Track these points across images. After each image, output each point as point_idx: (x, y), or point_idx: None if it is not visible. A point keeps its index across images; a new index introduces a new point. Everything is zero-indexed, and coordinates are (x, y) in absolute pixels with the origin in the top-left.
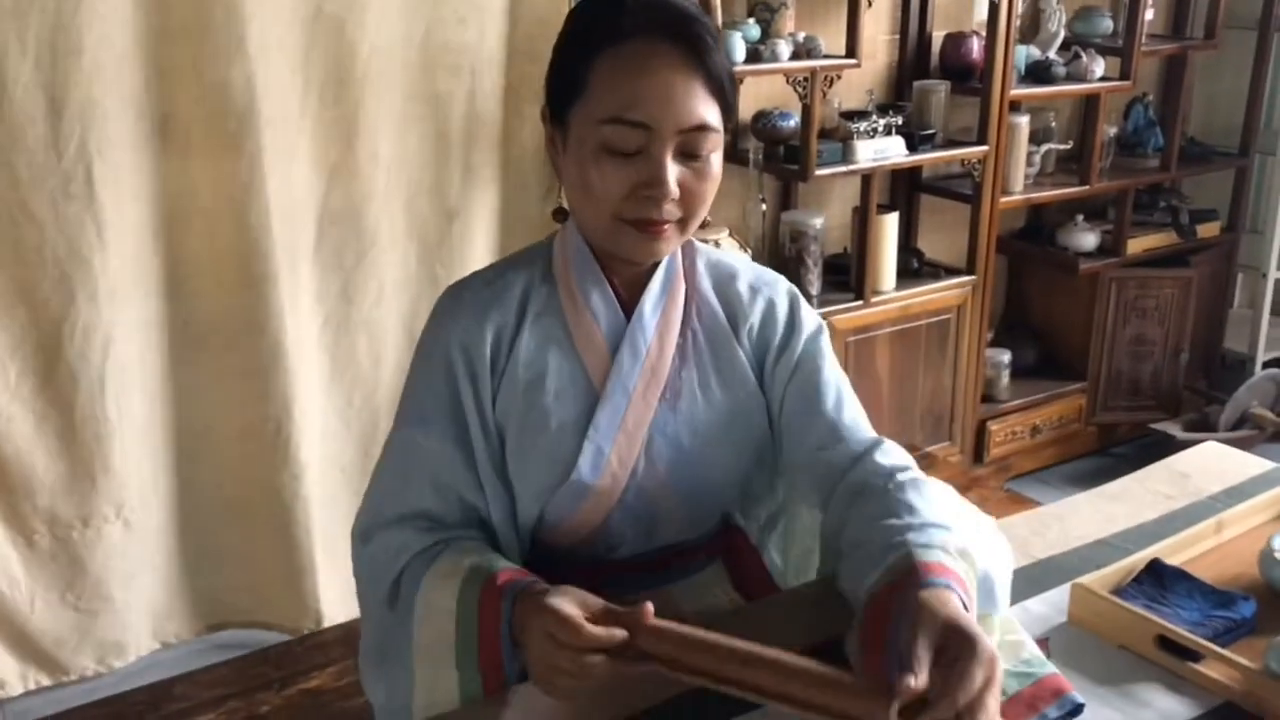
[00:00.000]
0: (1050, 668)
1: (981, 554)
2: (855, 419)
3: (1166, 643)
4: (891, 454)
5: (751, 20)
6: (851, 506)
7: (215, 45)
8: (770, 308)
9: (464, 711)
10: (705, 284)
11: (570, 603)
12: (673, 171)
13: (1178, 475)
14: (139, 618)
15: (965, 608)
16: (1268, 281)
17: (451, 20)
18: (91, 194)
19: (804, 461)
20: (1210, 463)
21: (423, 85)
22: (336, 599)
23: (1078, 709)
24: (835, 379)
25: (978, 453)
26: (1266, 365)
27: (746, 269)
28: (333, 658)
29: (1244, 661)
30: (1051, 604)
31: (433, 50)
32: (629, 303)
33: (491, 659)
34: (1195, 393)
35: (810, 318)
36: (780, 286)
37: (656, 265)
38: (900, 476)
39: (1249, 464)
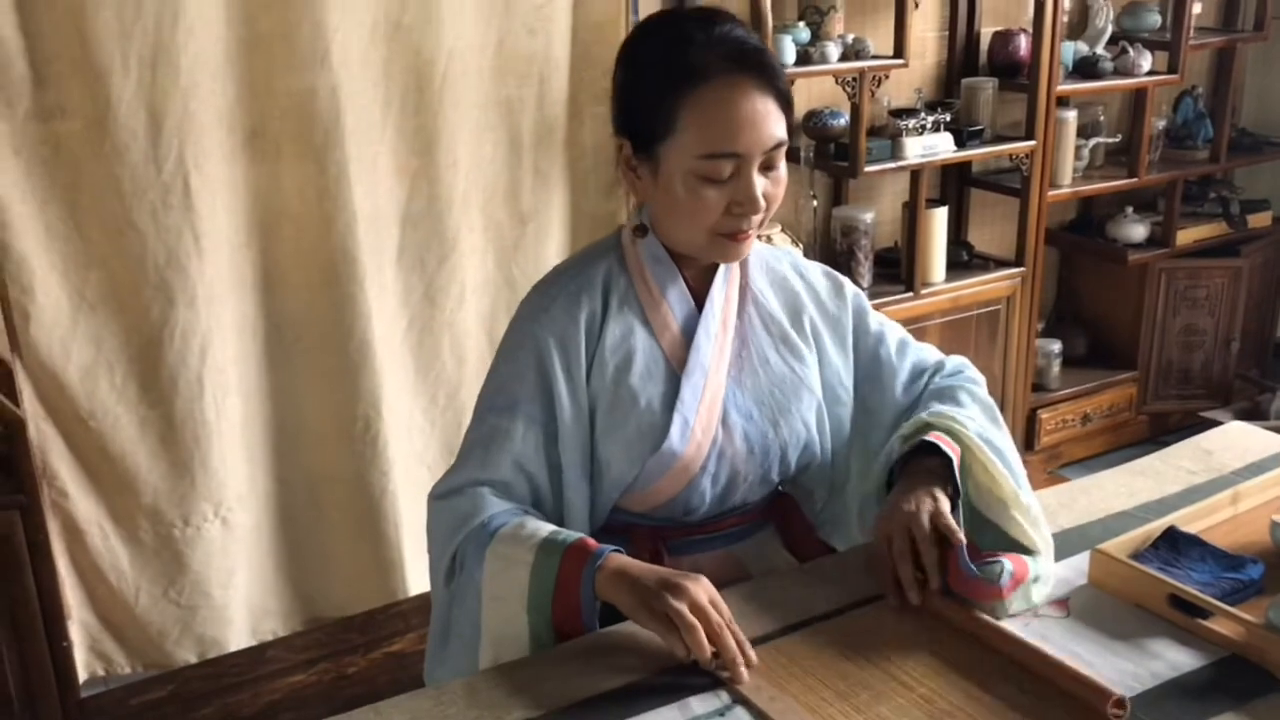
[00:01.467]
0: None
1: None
2: (918, 354)
3: (1178, 601)
4: (945, 370)
5: (802, 23)
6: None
7: (301, 59)
8: (813, 280)
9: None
10: (756, 273)
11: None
12: (760, 187)
13: (1202, 452)
14: (237, 614)
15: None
16: None
17: (521, 31)
18: (189, 204)
19: (889, 402)
20: (1234, 440)
21: (495, 93)
22: (423, 589)
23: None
24: (886, 325)
25: (1029, 440)
26: None
27: (783, 254)
28: (413, 624)
29: (1248, 617)
30: (1074, 568)
31: (504, 59)
32: (698, 293)
33: (569, 606)
34: (1247, 381)
35: (847, 283)
36: (815, 265)
37: None
38: (934, 385)
39: (1271, 442)
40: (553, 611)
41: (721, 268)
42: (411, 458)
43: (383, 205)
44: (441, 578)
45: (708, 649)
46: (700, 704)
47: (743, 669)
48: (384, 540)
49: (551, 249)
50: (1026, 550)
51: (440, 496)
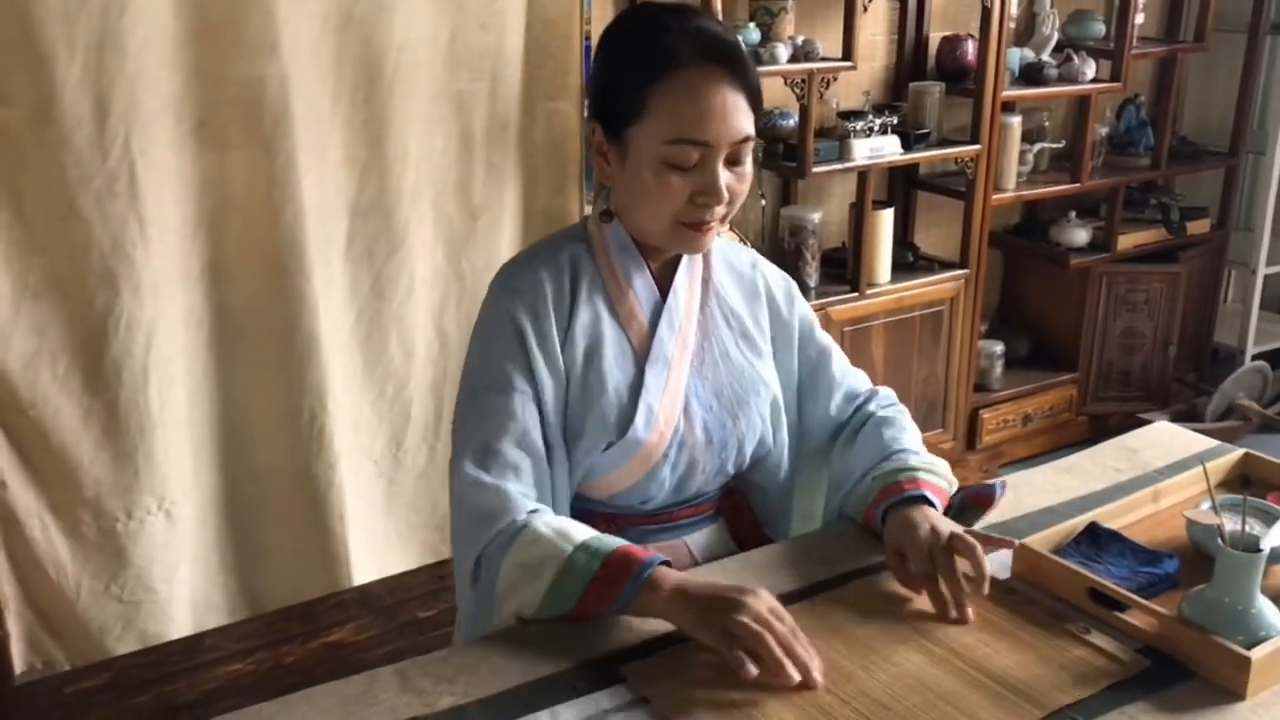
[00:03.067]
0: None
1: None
2: (854, 378)
3: (1097, 595)
4: (879, 398)
5: (752, 24)
6: (849, 446)
7: (250, 48)
8: (771, 282)
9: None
10: (719, 267)
11: None
12: (724, 179)
13: (1127, 451)
14: (180, 609)
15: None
16: (1257, 277)
17: (474, 25)
18: (135, 192)
19: (820, 416)
20: (1158, 440)
21: (447, 87)
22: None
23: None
24: (829, 342)
25: (970, 440)
26: (1256, 359)
27: (745, 252)
28: (351, 615)
29: (1162, 610)
30: (999, 562)
31: (456, 53)
32: (662, 284)
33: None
34: (1184, 385)
35: (799, 293)
36: (774, 267)
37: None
38: (880, 414)
39: (1194, 442)
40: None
41: (685, 259)
42: (358, 451)
43: (331, 197)
44: (468, 580)
45: (782, 659)
46: (608, 699)
47: (816, 674)
48: (329, 534)
49: (502, 243)
50: None
51: (471, 484)
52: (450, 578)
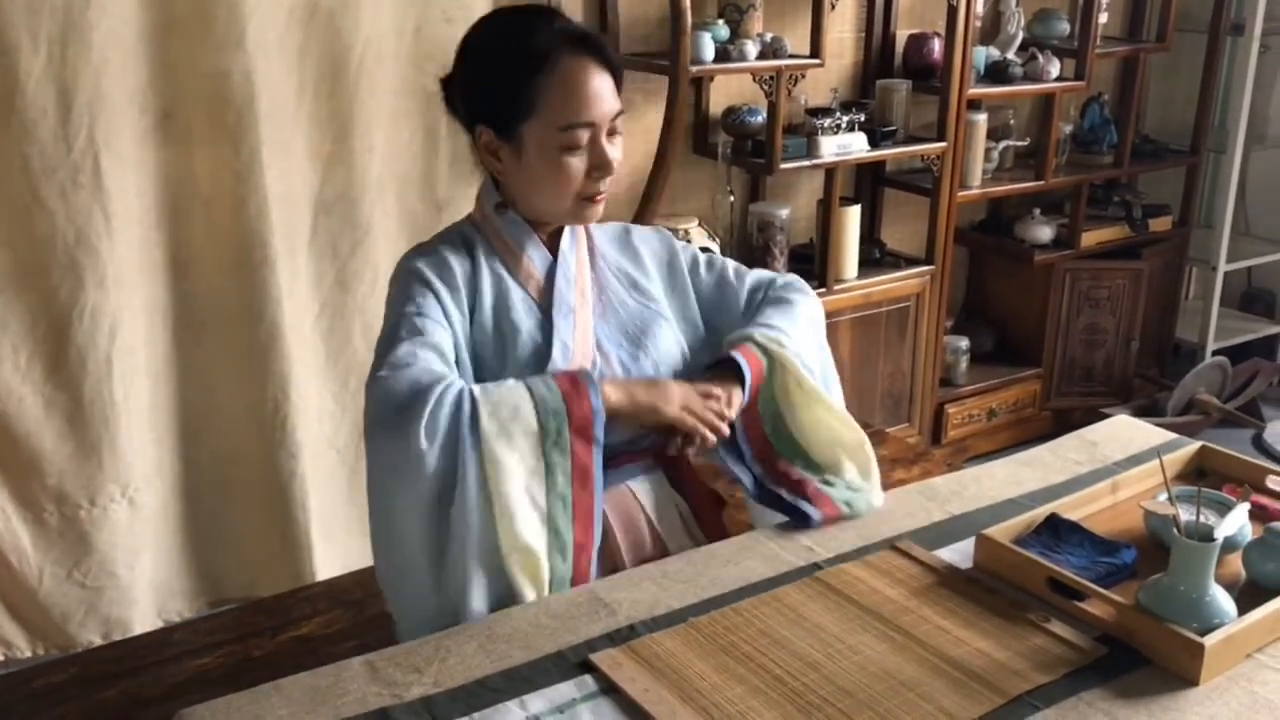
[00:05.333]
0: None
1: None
2: (755, 275)
3: (1056, 584)
4: (779, 284)
5: (721, 21)
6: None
7: (215, 41)
8: (645, 241)
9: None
10: (599, 236)
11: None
12: (610, 152)
13: (1087, 444)
14: (143, 595)
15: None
16: (1217, 274)
17: (439, 19)
18: (99, 184)
19: (734, 320)
20: (1117, 433)
21: (413, 80)
22: (331, 574)
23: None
24: (721, 260)
25: (935, 434)
26: (1216, 354)
27: (620, 225)
28: (320, 609)
29: (1119, 599)
30: (961, 552)
31: (422, 47)
32: (552, 250)
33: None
34: (1146, 380)
35: (673, 237)
36: (647, 228)
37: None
38: (773, 293)
39: (1152, 435)
40: (569, 419)
41: (568, 230)
42: (321, 441)
43: (296, 190)
44: (419, 445)
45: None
46: (576, 688)
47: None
48: (292, 523)
49: None
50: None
51: (386, 370)
52: None
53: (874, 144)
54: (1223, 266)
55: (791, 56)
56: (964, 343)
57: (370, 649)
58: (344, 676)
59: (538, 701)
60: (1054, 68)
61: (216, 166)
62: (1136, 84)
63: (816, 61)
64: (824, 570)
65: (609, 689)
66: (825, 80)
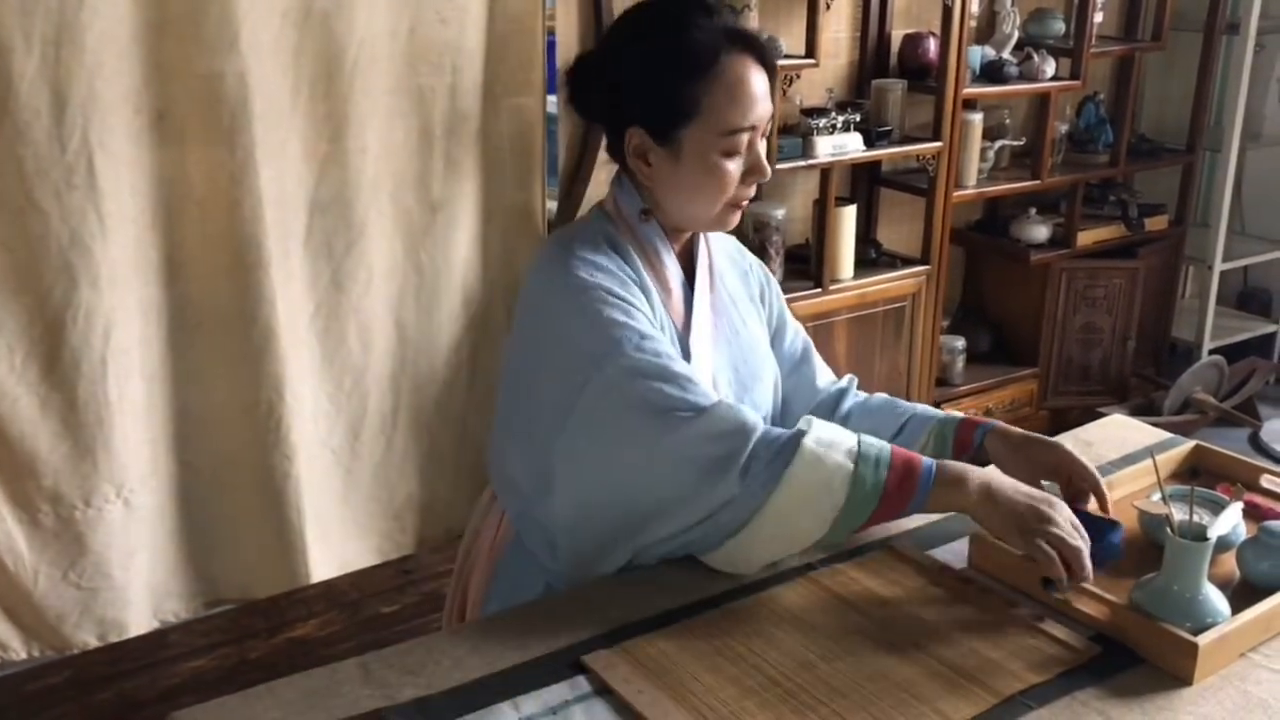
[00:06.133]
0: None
1: None
2: (825, 367)
3: (1050, 584)
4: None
5: None
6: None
7: (210, 42)
8: (755, 267)
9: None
10: (717, 252)
11: None
12: (764, 155)
13: (1082, 443)
14: (138, 596)
15: None
16: (1213, 273)
17: (434, 19)
18: (93, 185)
19: (807, 390)
20: (1112, 432)
21: (407, 81)
22: (326, 575)
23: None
24: (800, 326)
25: None
26: (1212, 353)
27: (729, 238)
28: (315, 611)
29: (1113, 598)
30: (956, 552)
31: (416, 47)
32: (680, 258)
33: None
34: (1143, 379)
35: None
36: (748, 251)
37: (697, 235)
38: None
39: (1146, 434)
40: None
41: (702, 241)
42: (316, 443)
43: (291, 190)
44: (732, 475)
45: (1086, 566)
46: (569, 689)
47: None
48: (286, 524)
49: (461, 237)
50: None
51: (693, 410)
52: (416, 573)
53: (869, 144)
54: (1219, 265)
55: (786, 56)
56: (960, 342)
57: (366, 651)
58: (337, 678)
59: (531, 703)
60: (1049, 67)
61: (211, 167)
62: (1132, 83)
63: (811, 61)
64: (818, 570)
65: (602, 690)
66: (820, 80)
